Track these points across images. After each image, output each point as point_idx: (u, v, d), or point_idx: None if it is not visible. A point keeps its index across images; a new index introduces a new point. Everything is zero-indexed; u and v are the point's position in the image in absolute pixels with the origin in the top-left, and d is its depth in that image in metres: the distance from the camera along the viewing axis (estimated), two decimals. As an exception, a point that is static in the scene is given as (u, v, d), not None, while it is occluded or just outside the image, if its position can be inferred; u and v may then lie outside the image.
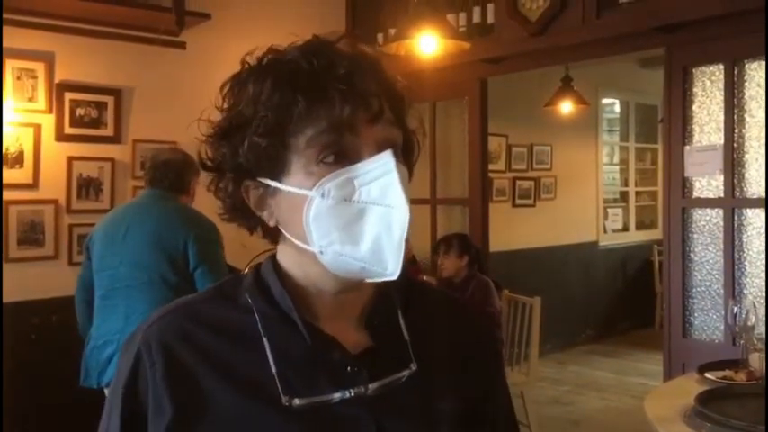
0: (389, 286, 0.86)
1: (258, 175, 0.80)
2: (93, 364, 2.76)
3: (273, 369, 0.79)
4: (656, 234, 7.58)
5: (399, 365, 0.84)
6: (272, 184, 0.80)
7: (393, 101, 0.82)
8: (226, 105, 0.81)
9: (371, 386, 0.80)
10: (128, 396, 0.81)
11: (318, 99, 0.76)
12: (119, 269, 2.73)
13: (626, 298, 7.31)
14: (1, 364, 3.31)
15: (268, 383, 0.78)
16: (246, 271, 0.88)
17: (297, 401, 0.78)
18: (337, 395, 0.79)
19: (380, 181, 0.76)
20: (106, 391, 2.73)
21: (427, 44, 3.19)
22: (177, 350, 0.80)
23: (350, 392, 0.79)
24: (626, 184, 7.71)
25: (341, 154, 0.77)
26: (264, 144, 0.77)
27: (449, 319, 0.94)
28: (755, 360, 2.29)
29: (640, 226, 7.76)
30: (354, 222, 0.77)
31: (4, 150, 3.51)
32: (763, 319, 2.37)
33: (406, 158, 0.84)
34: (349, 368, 0.81)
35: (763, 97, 3.18)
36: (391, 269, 0.77)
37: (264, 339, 0.80)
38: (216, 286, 0.89)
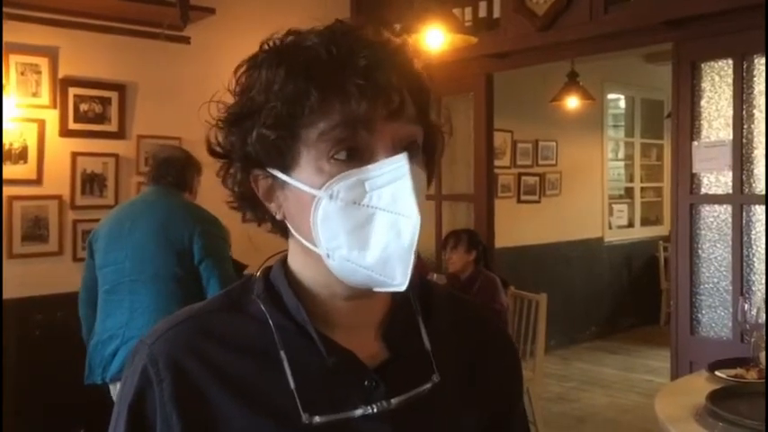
0: (408, 291, 0.82)
1: (268, 165, 0.75)
2: (97, 359, 2.76)
3: (292, 385, 0.75)
4: (661, 230, 7.56)
5: (421, 377, 0.80)
6: (281, 176, 0.75)
7: (416, 94, 0.76)
8: (238, 89, 0.76)
9: (394, 401, 0.76)
10: (133, 416, 0.76)
11: (333, 92, 0.71)
12: (124, 264, 2.74)
13: (631, 294, 7.28)
14: (1, 360, 3.30)
15: (286, 400, 0.74)
16: (258, 275, 0.83)
17: (317, 419, 0.74)
18: (359, 411, 0.75)
19: (392, 186, 0.71)
20: (111, 388, 2.74)
21: (433, 38, 3.15)
22: (187, 366, 0.75)
23: (372, 408, 0.75)
24: (631, 180, 7.68)
25: (354, 151, 0.72)
26: (273, 137, 0.73)
27: (468, 325, 0.90)
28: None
29: (645, 222, 7.73)
30: (363, 227, 0.72)
31: (8, 146, 3.49)
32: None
33: (428, 156, 0.80)
34: (366, 382, 0.77)
35: (773, 92, 3.15)
36: (399, 280, 0.72)
37: (282, 353, 0.76)
38: (224, 294, 0.83)
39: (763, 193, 3.19)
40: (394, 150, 0.72)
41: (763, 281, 3.19)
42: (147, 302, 2.67)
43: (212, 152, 0.79)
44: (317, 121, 0.72)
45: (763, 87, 3.19)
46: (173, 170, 2.83)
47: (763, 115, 3.18)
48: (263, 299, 0.79)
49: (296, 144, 0.73)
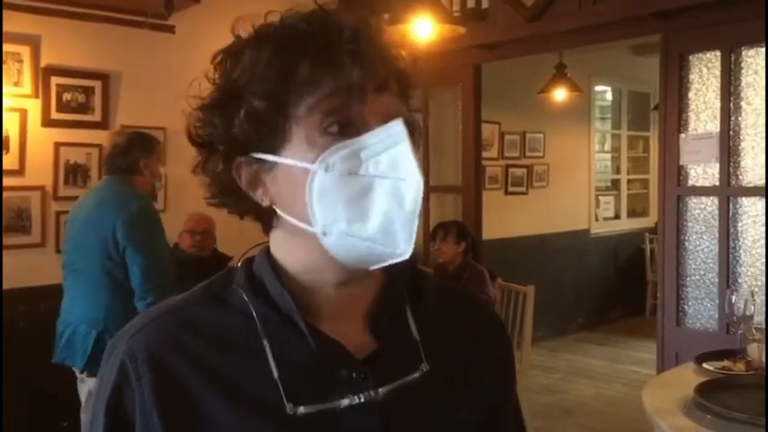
0: (396, 279, 0.81)
1: (253, 148, 0.73)
2: (56, 338, 2.90)
3: (276, 374, 0.73)
4: (647, 222, 7.59)
5: (410, 367, 0.78)
6: (269, 157, 0.73)
7: (397, 77, 0.75)
8: (218, 75, 0.75)
9: (381, 390, 0.74)
10: (111, 414, 0.73)
11: (324, 61, 0.70)
12: (68, 254, 2.88)
13: (617, 286, 7.31)
14: (1, 355, 3.29)
15: (270, 391, 0.72)
16: (239, 265, 0.81)
17: (302, 409, 0.72)
18: (345, 401, 0.73)
19: (390, 152, 0.70)
20: (74, 372, 2.80)
21: (422, 29, 3.13)
22: (167, 361, 0.73)
23: (359, 398, 0.74)
24: (618, 172, 7.70)
25: (346, 123, 0.71)
26: (263, 108, 0.71)
27: (459, 313, 0.89)
28: (754, 350, 2.28)
29: (632, 214, 7.76)
30: (362, 198, 0.70)
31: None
32: (761, 308, 2.35)
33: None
34: (354, 374, 0.74)
35: (760, 84, 3.15)
36: (402, 248, 0.70)
37: (265, 342, 0.74)
38: (205, 286, 0.80)
39: (750, 185, 3.20)
40: (385, 122, 0.71)
41: (749, 272, 3.20)
42: (82, 290, 2.79)
43: (192, 141, 0.77)
44: (305, 94, 0.70)
45: (750, 80, 3.20)
46: (114, 158, 2.88)
47: (751, 107, 3.19)
48: (245, 289, 0.77)
49: (285, 122, 0.72)
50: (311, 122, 0.71)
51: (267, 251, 0.80)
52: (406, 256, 0.71)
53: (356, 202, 0.70)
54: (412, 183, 0.69)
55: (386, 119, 0.71)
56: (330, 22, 0.72)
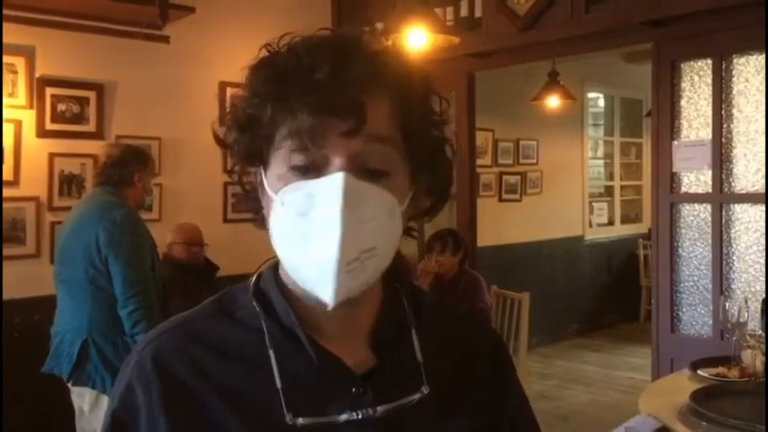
0: (401, 300, 0.83)
1: (252, 163, 0.79)
2: None
3: (279, 384, 0.75)
4: (640, 228, 7.63)
5: (410, 387, 0.79)
6: (260, 174, 0.78)
7: (405, 109, 0.75)
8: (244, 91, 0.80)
9: (380, 408, 0.76)
10: (120, 420, 0.77)
11: (282, 107, 0.73)
12: (57, 264, 2.94)
13: (611, 291, 7.34)
14: (1, 363, 3.28)
15: (272, 402, 0.75)
16: (250, 281, 0.84)
17: (301, 420, 0.74)
18: (344, 416, 0.75)
19: (328, 205, 0.71)
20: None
21: (416, 39, 3.14)
22: (175, 370, 0.76)
23: (357, 414, 0.75)
24: (611, 179, 7.74)
25: (311, 163, 0.73)
26: (247, 133, 0.76)
27: (458, 332, 0.90)
28: (748, 356, 2.29)
29: (625, 220, 7.79)
30: (303, 240, 0.72)
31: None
32: (755, 314, 2.36)
33: (418, 170, 0.78)
34: (354, 389, 0.77)
35: (751, 92, 3.18)
36: (326, 297, 0.71)
37: (270, 352, 0.77)
38: (215, 300, 0.84)
39: (743, 192, 3.22)
40: (349, 167, 0.72)
41: (742, 279, 3.22)
42: (68, 299, 2.83)
43: (219, 142, 0.82)
44: (275, 131, 0.74)
45: (741, 87, 3.23)
46: (108, 169, 2.90)
47: (743, 115, 3.22)
48: (253, 304, 0.80)
49: (268, 147, 0.76)
50: (280, 156, 0.75)
51: (276, 266, 0.83)
52: (329, 307, 0.72)
53: (299, 242, 0.73)
54: (333, 243, 0.70)
55: (353, 162, 0.72)
56: (313, 59, 0.72)
